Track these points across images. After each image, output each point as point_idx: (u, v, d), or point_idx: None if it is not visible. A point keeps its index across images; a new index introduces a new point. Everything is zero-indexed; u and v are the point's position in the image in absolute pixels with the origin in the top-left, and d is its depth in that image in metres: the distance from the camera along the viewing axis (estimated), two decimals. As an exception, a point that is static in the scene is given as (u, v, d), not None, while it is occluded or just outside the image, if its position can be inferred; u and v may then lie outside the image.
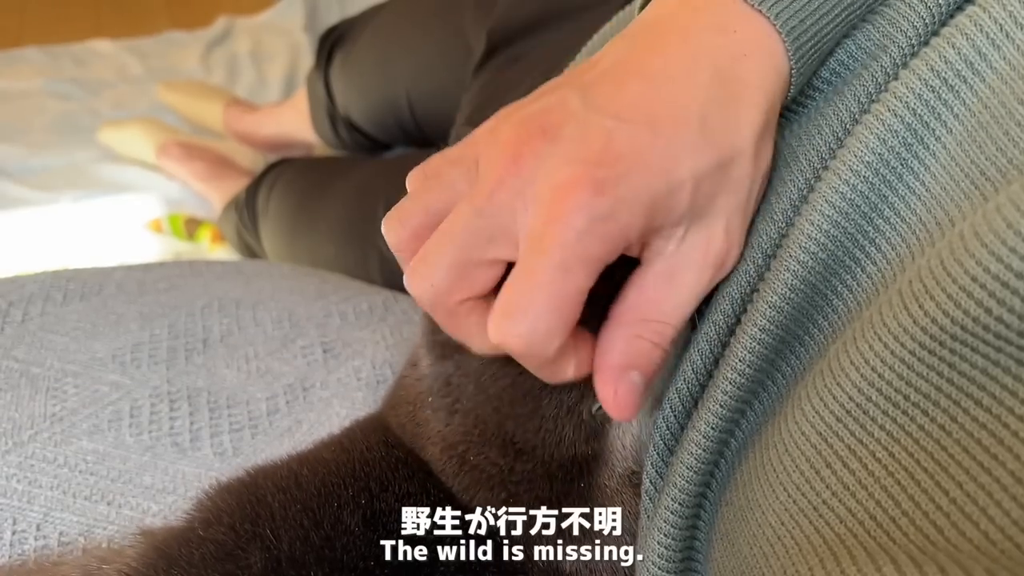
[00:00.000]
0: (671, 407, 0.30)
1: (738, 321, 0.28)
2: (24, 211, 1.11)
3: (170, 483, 0.39)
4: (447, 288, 0.26)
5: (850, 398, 0.23)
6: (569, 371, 0.27)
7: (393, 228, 0.28)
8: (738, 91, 0.26)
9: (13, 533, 0.37)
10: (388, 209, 0.29)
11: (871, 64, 0.28)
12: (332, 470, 0.33)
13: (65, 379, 0.42)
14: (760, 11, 0.27)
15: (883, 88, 0.27)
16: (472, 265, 0.26)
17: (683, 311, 0.27)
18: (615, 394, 0.26)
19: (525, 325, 0.24)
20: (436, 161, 0.29)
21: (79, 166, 1.18)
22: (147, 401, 0.42)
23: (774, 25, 0.27)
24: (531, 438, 0.31)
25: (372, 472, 0.33)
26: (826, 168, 0.28)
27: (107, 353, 0.44)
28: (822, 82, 0.30)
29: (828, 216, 0.26)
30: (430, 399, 0.33)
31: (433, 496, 0.32)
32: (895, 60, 0.27)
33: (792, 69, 0.27)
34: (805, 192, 0.28)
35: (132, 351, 0.44)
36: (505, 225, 0.25)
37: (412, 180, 0.29)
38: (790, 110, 0.31)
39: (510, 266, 0.26)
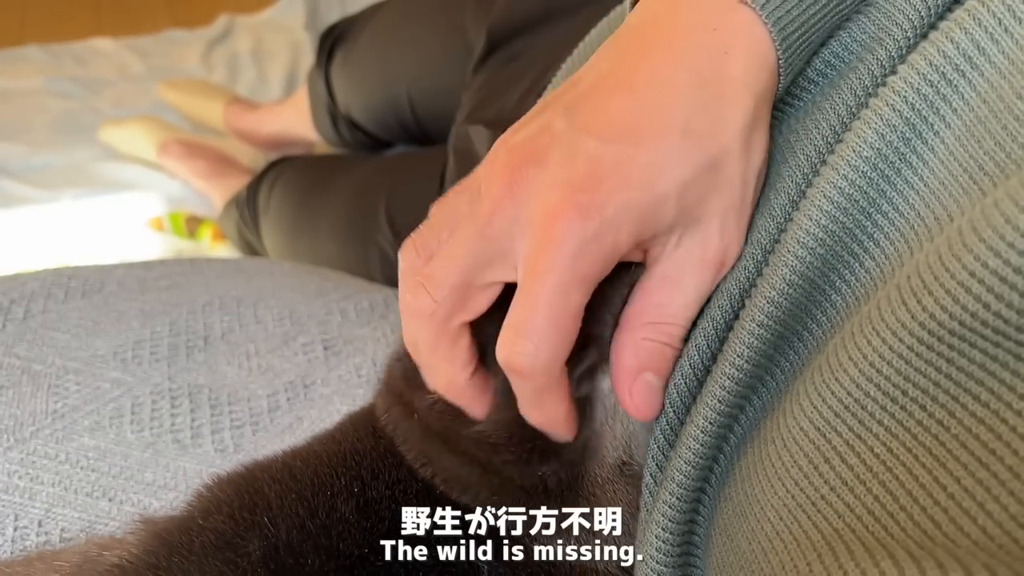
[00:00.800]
0: (670, 402, 0.30)
1: (736, 316, 0.28)
2: (25, 209, 1.12)
3: (171, 479, 0.39)
4: (450, 307, 0.28)
5: (848, 393, 0.23)
6: (557, 411, 0.28)
7: (408, 253, 0.30)
8: (722, 90, 0.27)
9: (15, 529, 0.37)
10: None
11: (867, 58, 0.28)
12: (324, 461, 0.34)
13: (66, 376, 0.42)
14: (745, 2, 0.27)
15: (880, 83, 0.27)
16: (474, 288, 0.28)
17: (688, 312, 0.29)
18: (631, 396, 0.28)
19: (531, 344, 0.26)
20: (449, 193, 0.30)
21: (80, 164, 1.18)
22: (148, 398, 0.42)
23: (760, 15, 0.27)
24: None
25: (363, 462, 0.33)
26: (824, 163, 0.27)
27: (108, 350, 0.44)
28: (817, 74, 0.30)
29: (826, 211, 0.26)
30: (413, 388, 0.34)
31: (420, 481, 0.32)
32: (891, 54, 0.27)
33: (780, 60, 0.28)
34: (803, 187, 0.28)
35: (133, 348, 0.44)
36: (504, 249, 0.27)
37: (431, 210, 0.31)
38: (784, 103, 0.31)
39: (506, 291, 0.28)
